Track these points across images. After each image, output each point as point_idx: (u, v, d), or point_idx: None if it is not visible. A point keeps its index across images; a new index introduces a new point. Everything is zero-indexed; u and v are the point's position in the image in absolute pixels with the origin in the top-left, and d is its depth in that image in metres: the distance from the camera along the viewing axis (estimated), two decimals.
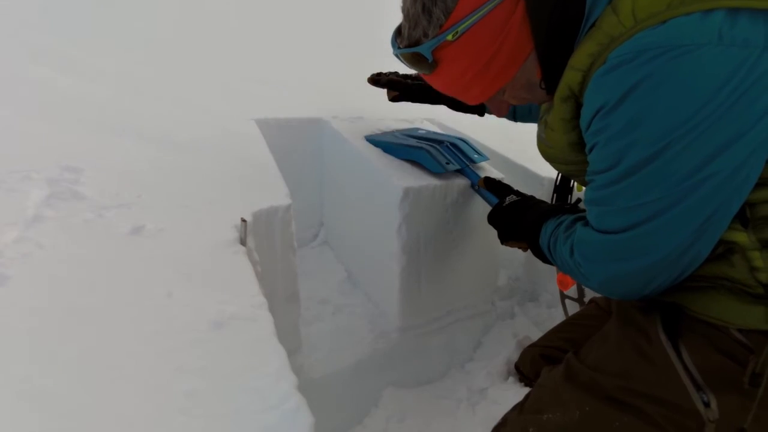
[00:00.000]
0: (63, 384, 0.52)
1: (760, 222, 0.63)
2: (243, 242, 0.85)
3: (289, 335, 1.15)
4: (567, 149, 0.75)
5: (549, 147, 0.80)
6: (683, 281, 0.67)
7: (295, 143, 1.65)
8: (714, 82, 0.54)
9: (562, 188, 1.09)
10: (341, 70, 2.64)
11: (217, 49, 2.48)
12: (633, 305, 0.78)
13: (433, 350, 1.40)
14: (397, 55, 0.76)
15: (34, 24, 2.04)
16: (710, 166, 0.56)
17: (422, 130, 1.57)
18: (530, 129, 1.18)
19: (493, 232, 1.01)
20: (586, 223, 0.72)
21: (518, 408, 0.86)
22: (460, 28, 0.66)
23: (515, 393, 1.16)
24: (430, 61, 0.71)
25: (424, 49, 0.70)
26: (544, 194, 1.51)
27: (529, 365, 1.16)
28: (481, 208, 1.29)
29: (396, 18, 0.77)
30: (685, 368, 0.67)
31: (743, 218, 0.63)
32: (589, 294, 1.34)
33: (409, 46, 0.72)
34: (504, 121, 1.21)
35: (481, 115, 1.26)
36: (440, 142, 1.32)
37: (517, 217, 0.94)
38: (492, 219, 1.01)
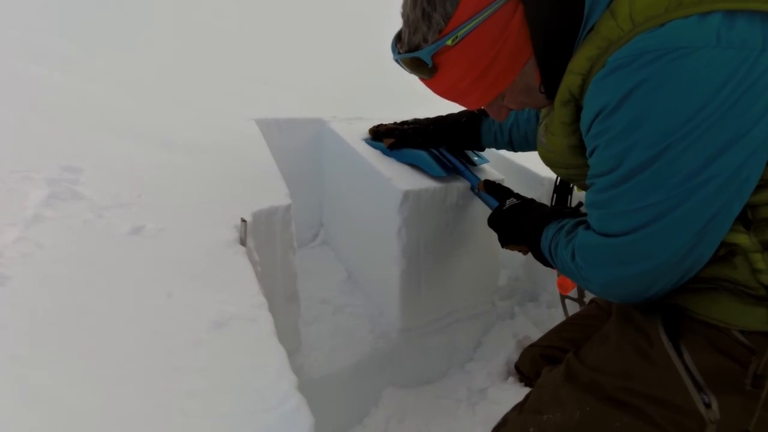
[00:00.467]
0: (63, 384, 0.52)
1: (762, 224, 0.63)
2: (243, 242, 0.85)
3: (289, 335, 1.15)
4: (567, 153, 0.75)
5: (549, 151, 0.80)
6: (685, 283, 0.67)
7: (295, 143, 1.65)
8: (713, 84, 0.54)
9: (562, 189, 1.09)
10: (341, 70, 2.64)
11: (217, 49, 2.48)
12: (633, 306, 0.78)
13: (433, 350, 1.40)
14: (397, 61, 0.76)
15: (33, 24, 2.04)
16: (711, 167, 0.56)
17: None
18: None
19: (494, 234, 1.01)
20: (588, 227, 0.72)
21: (518, 408, 0.86)
22: (460, 33, 0.66)
23: (515, 393, 1.16)
24: (429, 66, 0.71)
25: (424, 54, 0.70)
26: (544, 195, 1.51)
27: (529, 365, 1.16)
28: (481, 210, 1.28)
29: (395, 18, 0.77)
30: (686, 369, 0.67)
31: (745, 220, 0.63)
32: (589, 294, 1.34)
33: (409, 51, 0.72)
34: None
35: (482, 149, 1.29)
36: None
37: (517, 220, 0.94)
38: (492, 222, 1.01)
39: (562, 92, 0.68)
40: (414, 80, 0.80)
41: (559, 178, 1.08)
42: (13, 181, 0.85)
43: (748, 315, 0.64)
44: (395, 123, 1.36)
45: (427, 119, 1.29)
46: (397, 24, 0.77)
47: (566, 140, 0.73)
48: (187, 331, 0.62)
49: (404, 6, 0.73)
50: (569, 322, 1.12)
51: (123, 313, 0.63)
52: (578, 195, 1.09)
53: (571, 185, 1.08)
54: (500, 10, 0.65)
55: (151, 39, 2.33)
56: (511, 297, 1.69)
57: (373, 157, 1.33)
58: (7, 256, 0.68)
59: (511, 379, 1.24)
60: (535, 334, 1.31)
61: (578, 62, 0.64)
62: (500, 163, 1.66)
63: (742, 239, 0.63)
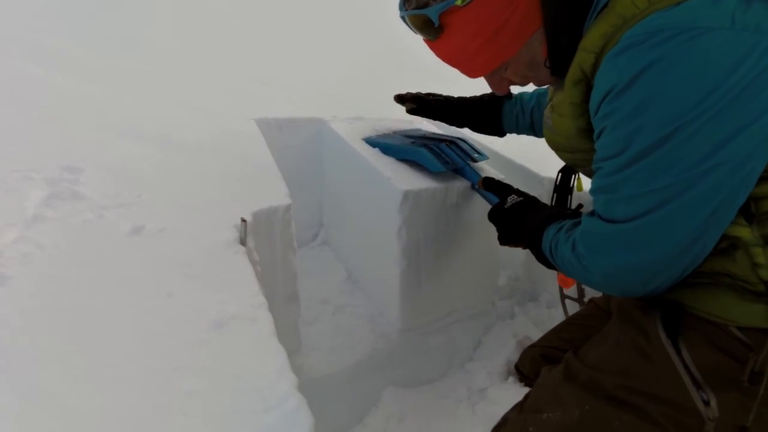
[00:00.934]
0: (63, 384, 0.52)
1: (764, 217, 0.62)
2: (243, 242, 0.85)
3: (289, 335, 1.15)
4: (574, 136, 0.74)
5: (555, 134, 0.80)
6: (684, 278, 0.67)
7: (295, 143, 1.65)
8: (725, 67, 0.53)
9: (562, 188, 1.09)
10: (341, 70, 2.64)
11: (217, 49, 2.48)
12: (633, 304, 0.78)
13: (433, 350, 1.40)
14: (403, 18, 0.75)
15: (33, 24, 2.04)
16: (719, 154, 0.56)
17: (422, 129, 1.57)
18: None
19: (494, 234, 1.01)
20: (592, 214, 0.71)
21: (518, 408, 0.86)
22: None
23: (515, 393, 1.15)
24: (436, 25, 0.70)
25: (432, 12, 0.69)
26: (544, 195, 1.51)
27: (529, 365, 1.16)
28: (482, 209, 1.28)
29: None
30: (685, 366, 0.67)
31: (748, 213, 0.62)
32: (589, 294, 1.34)
33: (417, 8, 0.71)
34: None
35: (501, 135, 1.25)
36: (440, 141, 1.32)
37: (518, 221, 0.93)
38: (493, 218, 1.01)
39: (574, 71, 0.67)
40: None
41: (559, 178, 1.08)
42: (13, 181, 0.85)
43: (746, 311, 0.64)
44: (421, 93, 1.31)
45: (450, 96, 1.27)
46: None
47: (574, 122, 0.72)
48: (187, 331, 0.62)
49: None
50: (569, 323, 1.12)
51: (123, 313, 0.63)
52: (578, 195, 1.09)
53: (572, 185, 1.08)
54: None
55: (151, 39, 2.33)
56: (511, 297, 1.69)
57: (373, 156, 1.33)
58: (7, 256, 0.68)
59: (511, 379, 1.24)
60: (535, 334, 1.31)
61: (591, 40, 0.63)
62: (500, 162, 1.66)
63: (744, 232, 0.63)
